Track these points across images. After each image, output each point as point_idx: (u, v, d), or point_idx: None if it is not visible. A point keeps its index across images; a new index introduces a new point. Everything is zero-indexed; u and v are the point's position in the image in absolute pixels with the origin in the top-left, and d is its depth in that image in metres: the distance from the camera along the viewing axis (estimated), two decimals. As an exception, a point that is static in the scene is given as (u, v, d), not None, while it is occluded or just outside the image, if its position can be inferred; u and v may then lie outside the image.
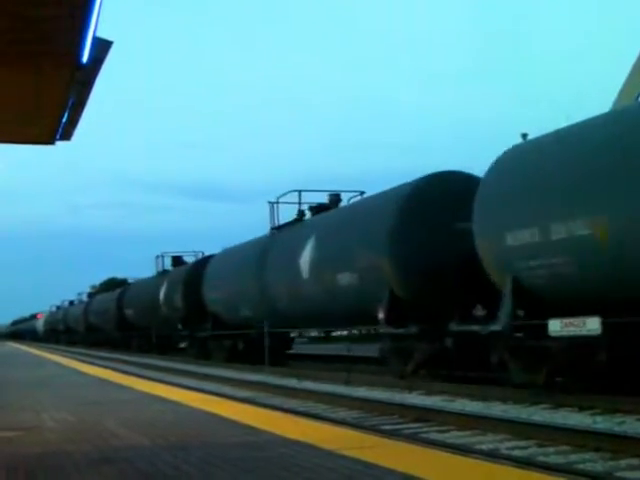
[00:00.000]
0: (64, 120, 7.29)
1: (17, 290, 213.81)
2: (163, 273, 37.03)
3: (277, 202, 23.75)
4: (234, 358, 25.59)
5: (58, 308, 79.72)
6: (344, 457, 5.42)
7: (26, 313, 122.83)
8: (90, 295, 61.51)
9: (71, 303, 71.90)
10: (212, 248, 33.10)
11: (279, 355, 24.19)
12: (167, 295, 32.94)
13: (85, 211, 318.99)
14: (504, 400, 12.07)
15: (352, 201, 21.13)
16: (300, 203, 22.86)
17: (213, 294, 27.49)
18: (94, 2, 4.87)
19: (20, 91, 6.45)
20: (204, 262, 30.19)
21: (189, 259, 36.40)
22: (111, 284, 56.97)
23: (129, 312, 41.22)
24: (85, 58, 5.66)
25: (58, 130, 7.61)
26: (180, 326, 31.57)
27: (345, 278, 17.35)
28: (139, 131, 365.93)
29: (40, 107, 6.83)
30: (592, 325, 11.02)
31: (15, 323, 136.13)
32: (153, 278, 38.28)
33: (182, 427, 7.58)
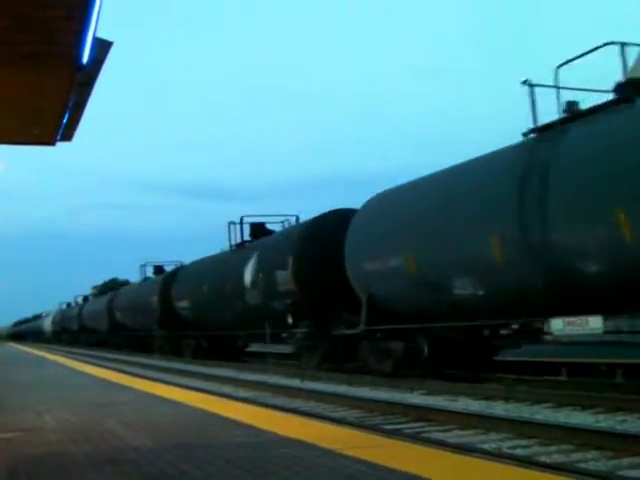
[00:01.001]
0: (65, 121, 7.31)
1: (17, 292, 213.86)
2: (242, 245, 26.10)
3: (552, 84, 12.46)
4: (404, 370, 15.82)
5: (69, 305, 72.26)
6: (345, 457, 5.42)
7: (27, 314, 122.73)
8: (91, 296, 59.75)
9: (85, 299, 63.53)
10: (213, 247, 30.50)
11: (479, 364, 15.57)
12: (260, 273, 22.72)
13: (84, 212, 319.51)
14: (506, 399, 12.07)
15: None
16: (625, 66, 11.76)
17: (372, 264, 16.70)
18: (94, 3, 4.89)
19: (21, 92, 6.48)
20: (341, 217, 19.15)
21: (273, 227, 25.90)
22: (112, 285, 55.49)
23: (182, 305, 31.27)
24: (85, 59, 5.68)
25: (59, 131, 7.64)
26: (290, 320, 20.78)
27: None
28: (137, 132, 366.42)
29: (41, 108, 6.85)
30: (595, 324, 11.02)
31: (17, 324, 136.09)
32: (226, 254, 27.38)
33: (184, 427, 7.58)
